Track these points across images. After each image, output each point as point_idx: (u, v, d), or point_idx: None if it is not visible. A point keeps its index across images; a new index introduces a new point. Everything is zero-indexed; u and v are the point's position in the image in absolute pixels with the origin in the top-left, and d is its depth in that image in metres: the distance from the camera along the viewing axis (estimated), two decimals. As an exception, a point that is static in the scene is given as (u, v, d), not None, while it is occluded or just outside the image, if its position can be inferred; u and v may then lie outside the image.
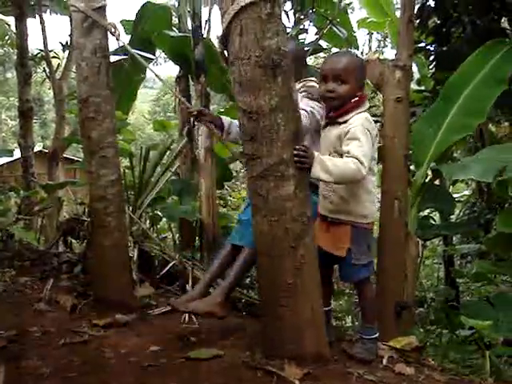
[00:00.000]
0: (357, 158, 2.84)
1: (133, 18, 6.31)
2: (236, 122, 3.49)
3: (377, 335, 3.18)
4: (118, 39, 3.77)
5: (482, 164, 4.32)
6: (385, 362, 3.06)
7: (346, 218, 3.05)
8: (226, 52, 2.83)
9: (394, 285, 4.27)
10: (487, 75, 4.68)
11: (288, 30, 5.93)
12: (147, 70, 6.83)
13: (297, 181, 2.75)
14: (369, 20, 8.12)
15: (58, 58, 12.33)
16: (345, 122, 3.00)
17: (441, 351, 4.47)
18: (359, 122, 2.97)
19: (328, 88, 3.02)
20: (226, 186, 9.29)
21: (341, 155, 2.96)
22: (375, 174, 3.19)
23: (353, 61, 3.09)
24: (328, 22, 6.40)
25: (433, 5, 5.94)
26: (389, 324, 4.06)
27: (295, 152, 2.73)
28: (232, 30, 2.68)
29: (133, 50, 4.05)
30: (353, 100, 3.03)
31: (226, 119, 3.66)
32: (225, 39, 2.78)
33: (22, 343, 3.07)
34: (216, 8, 6.37)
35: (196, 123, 3.60)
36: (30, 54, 10.60)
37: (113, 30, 3.69)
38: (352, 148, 2.88)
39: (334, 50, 8.11)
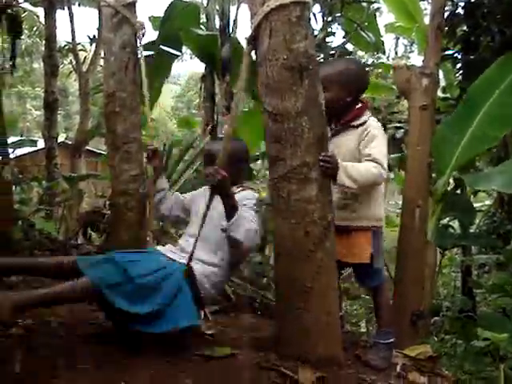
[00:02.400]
0: (377, 162, 2.88)
1: (161, 14, 6.34)
2: (174, 196, 3.60)
3: (392, 340, 3.17)
4: (140, 39, 3.75)
5: (506, 175, 4.28)
6: (398, 369, 3.05)
7: (369, 223, 3.08)
8: (253, 53, 2.85)
9: (411, 292, 4.24)
10: (512, 83, 4.63)
11: (316, 33, 5.93)
12: (171, 65, 6.89)
13: (319, 184, 2.76)
14: (396, 25, 8.07)
15: (85, 51, 12.42)
16: (362, 124, 3.03)
17: (455, 362, 4.45)
18: (377, 125, 3.08)
19: None
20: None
21: (359, 158, 2.98)
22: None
23: (334, 69, 3.17)
24: (356, 25, 6.38)
25: (462, 13, 5.90)
26: (404, 332, 4.04)
27: (321, 158, 2.74)
28: (261, 32, 2.70)
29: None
30: (360, 105, 3.15)
31: (166, 183, 3.67)
32: (252, 40, 2.79)
33: (39, 333, 3.10)
34: (244, 7, 6.39)
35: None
36: (57, 46, 10.68)
37: (140, 28, 3.69)
38: (373, 151, 2.94)
39: (360, 53, 8.11)
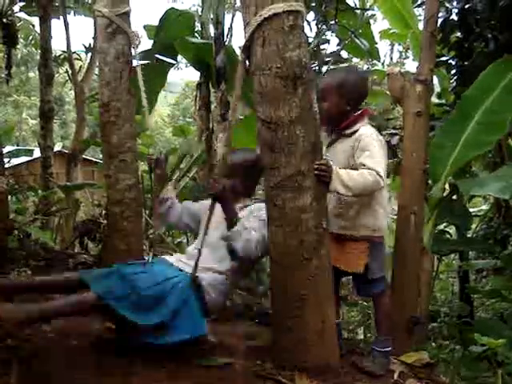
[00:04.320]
0: (373, 169, 2.85)
1: (156, 23, 6.36)
2: (183, 204, 3.61)
3: (389, 349, 3.17)
4: (135, 48, 3.77)
5: (501, 181, 4.28)
6: (395, 376, 3.05)
7: (363, 232, 3.06)
8: (247, 62, 2.86)
9: (407, 299, 4.23)
10: (506, 89, 4.63)
11: (310, 40, 5.94)
12: (167, 73, 6.91)
13: (314, 192, 2.76)
14: (391, 31, 8.10)
15: (81, 60, 12.41)
16: (353, 132, 3.03)
17: (452, 368, 4.44)
18: (370, 133, 3.04)
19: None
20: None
21: (355, 168, 2.97)
22: (386, 187, 3.19)
23: (332, 80, 3.19)
24: (350, 33, 6.40)
25: (456, 19, 5.92)
26: (401, 339, 4.03)
27: (316, 166, 2.75)
28: (254, 41, 2.71)
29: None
30: (356, 113, 3.11)
31: (172, 191, 3.64)
32: (247, 49, 2.80)
33: (35, 343, 3.09)
34: (239, 16, 6.41)
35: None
36: (53, 55, 10.67)
37: (135, 38, 3.71)
38: (366, 160, 2.91)
39: (355, 60, 8.14)
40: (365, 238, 3.06)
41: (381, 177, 2.86)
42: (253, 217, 3.15)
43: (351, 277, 3.39)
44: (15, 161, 9.68)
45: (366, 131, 3.03)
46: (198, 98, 6.46)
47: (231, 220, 3.02)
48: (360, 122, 3.09)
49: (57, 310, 2.86)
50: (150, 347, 2.90)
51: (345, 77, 3.17)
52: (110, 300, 2.79)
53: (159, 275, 3.03)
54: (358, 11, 6.66)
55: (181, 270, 3.16)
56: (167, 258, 3.45)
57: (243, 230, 3.00)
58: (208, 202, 3.40)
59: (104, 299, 2.79)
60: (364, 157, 2.92)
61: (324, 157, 2.92)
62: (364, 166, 2.88)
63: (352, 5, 6.62)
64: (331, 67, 6.19)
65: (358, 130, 3.03)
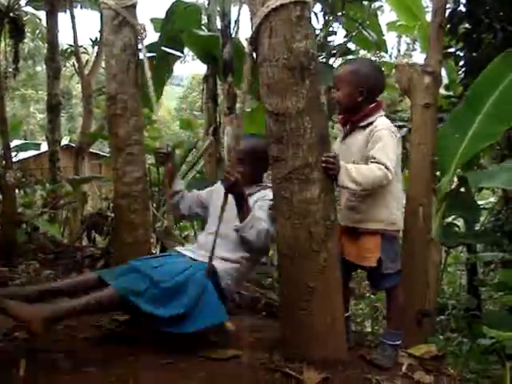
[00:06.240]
0: (382, 163, 2.83)
1: (163, 16, 6.35)
2: (191, 195, 3.62)
3: (399, 343, 3.15)
4: (141, 41, 3.76)
5: (509, 173, 4.26)
6: (404, 369, 3.03)
7: (377, 226, 3.02)
8: (254, 54, 2.84)
9: (415, 291, 4.22)
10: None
11: (317, 32, 5.92)
12: (173, 66, 6.91)
13: (322, 184, 2.75)
14: (398, 23, 8.06)
15: (87, 54, 12.43)
16: (368, 124, 3.00)
17: (461, 360, 4.42)
18: (385, 125, 2.99)
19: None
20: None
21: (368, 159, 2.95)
22: (400, 180, 3.16)
23: (347, 68, 3.16)
24: (357, 24, 6.38)
25: (464, 10, 5.89)
26: (409, 331, 4.01)
27: (324, 159, 2.73)
28: (261, 32, 2.69)
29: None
30: (371, 105, 3.07)
31: (181, 184, 3.68)
32: (254, 41, 2.79)
33: (43, 336, 3.10)
34: (245, 8, 6.39)
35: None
36: (59, 49, 10.69)
37: (141, 31, 3.71)
38: (377, 153, 2.87)
39: (362, 52, 8.11)
40: (378, 231, 3.03)
41: (389, 170, 2.83)
42: (258, 206, 3.19)
43: (361, 270, 3.38)
44: (23, 155, 9.72)
45: (381, 122, 2.99)
46: (205, 91, 6.45)
47: (244, 211, 3.06)
48: (375, 114, 3.05)
49: (82, 309, 2.87)
50: (159, 338, 2.91)
51: (357, 66, 3.14)
52: (131, 296, 2.82)
53: (175, 267, 3.07)
54: (366, 3, 6.63)
55: (194, 260, 3.21)
56: (178, 249, 3.48)
57: (255, 221, 3.06)
58: (215, 187, 3.55)
59: (125, 296, 2.82)
60: (376, 149, 2.88)
61: (336, 150, 2.93)
62: (374, 158, 2.86)
63: (359, -4, 6.59)
64: (339, 59, 6.17)
65: (373, 122, 3.00)
